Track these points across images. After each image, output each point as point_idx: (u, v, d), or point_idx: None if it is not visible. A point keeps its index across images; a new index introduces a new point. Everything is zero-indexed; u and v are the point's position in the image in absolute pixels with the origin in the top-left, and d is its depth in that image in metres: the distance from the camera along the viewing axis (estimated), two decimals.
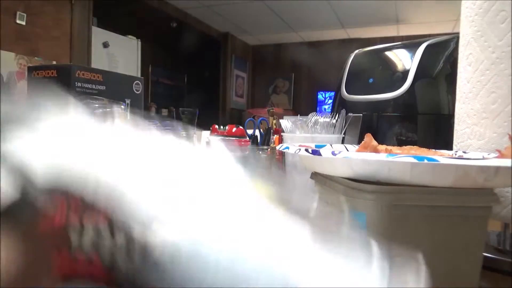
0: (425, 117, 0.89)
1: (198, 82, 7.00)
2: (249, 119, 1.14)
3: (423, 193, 0.33)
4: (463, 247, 0.35)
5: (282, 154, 0.86)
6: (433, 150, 0.48)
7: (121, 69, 4.22)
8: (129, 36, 4.49)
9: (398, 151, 0.44)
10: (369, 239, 0.19)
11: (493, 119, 0.50)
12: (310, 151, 0.38)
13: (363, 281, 0.17)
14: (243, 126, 1.16)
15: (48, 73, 0.95)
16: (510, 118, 0.49)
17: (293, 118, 0.81)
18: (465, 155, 0.49)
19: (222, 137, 1.17)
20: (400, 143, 0.92)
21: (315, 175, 0.48)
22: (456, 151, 0.52)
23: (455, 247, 0.35)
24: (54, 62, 3.32)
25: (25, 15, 3.14)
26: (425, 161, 0.30)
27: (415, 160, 0.30)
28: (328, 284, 0.17)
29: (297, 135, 0.78)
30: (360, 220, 0.35)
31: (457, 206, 0.34)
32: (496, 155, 0.43)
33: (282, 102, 6.79)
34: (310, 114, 0.80)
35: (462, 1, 0.58)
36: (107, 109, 0.82)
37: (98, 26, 4.03)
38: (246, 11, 3.67)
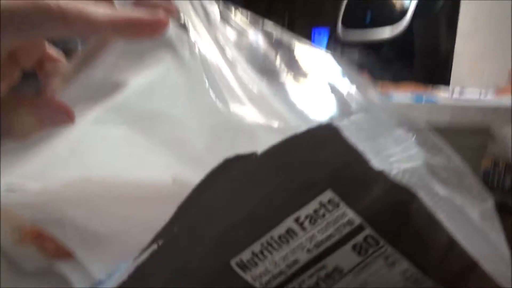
0: (423, 54, 0.86)
1: None
2: None
3: None
4: None
5: None
6: (430, 87, 0.47)
7: None
8: None
9: (395, 88, 0.43)
10: None
11: (493, 56, 0.49)
12: None
13: None
14: None
15: None
16: (511, 55, 0.47)
17: None
18: (462, 94, 0.48)
19: None
20: (396, 81, 0.90)
21: None
22: (453, 89, 0.52)
23: None
24: None
25: None
26: (423, 102, 0.29)
27: (412, 102, 0.29)
28: None
29: None
30: None
31: (453, 145, 0.33)
32: (494, 93, 0.42)
33: None
34: None
35: None
36: None
37: None
38: None
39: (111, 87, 0.23)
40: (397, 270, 0.12)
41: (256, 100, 0.18)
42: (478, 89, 0.47)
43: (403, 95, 0.30)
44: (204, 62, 0.18)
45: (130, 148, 0.23)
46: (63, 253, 0.21)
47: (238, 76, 0.19)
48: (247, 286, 0.12)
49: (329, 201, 0.11)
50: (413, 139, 0.15)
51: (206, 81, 0.18)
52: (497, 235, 0.15)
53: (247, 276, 0.12)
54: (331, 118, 0.12)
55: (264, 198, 0.12)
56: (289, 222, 0.12)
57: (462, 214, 0.14)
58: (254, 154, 0.12)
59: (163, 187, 0.21)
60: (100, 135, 0.23)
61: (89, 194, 0.23)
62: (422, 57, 0.86)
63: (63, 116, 0.20)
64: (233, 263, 0.12)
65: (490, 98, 0.32)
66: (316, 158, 0.12)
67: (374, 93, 0.19)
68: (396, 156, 0.12)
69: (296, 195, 0.12)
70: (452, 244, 0.13)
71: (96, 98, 0.22)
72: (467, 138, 0.34)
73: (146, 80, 0.22)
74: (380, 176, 0.11)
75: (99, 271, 0.16)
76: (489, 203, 0.15)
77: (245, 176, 0.12)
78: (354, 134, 0.12)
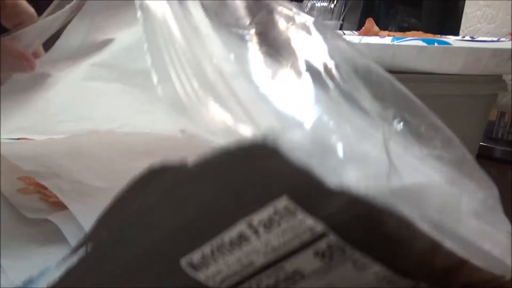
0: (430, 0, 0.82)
1: None
2: None
3: (427, 81, 0.31)
4: (462, 136, 0.34)
5: None
6: (439, 35, 0.45)
7: None
8: None
9: (402, 36, 0.40)
10: None
11: (507, 3, 0.46)
12: None
13: None
14: None
15: None
16: None
17: None
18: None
19: None
20: (402, 30, 0.86)
21: None
22: (464, 36, 0.49)
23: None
24: None
25: None
26: (436, 44, 0.27)
27: (424, 44, 0.27)
28: None
29: None
30: None
31: (463, 95, 0.32)
32: (508, 39, 0.40)
33: None
34: None
35: None
36: None
37: None
38: None
39: (95, 47, 0.21)
40: (368, 272, 0.11)
41: (212, 87, 0.14)
42: (490, 39, 0.44)
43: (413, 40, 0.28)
44: (153, 23, 0.14)
45: (130, 100, 0.22)
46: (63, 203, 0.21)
47: (195, 53, 0.14)
48: (200, 285, 0.11)
49: (285, 208, 0.10)
50: (387, 135, 0.13)
51: (149, 57, 0.13)
52: (498, 225, 0.14)
53: (200, 275, 0.11)
54: (271, 130, 0.10)
55: (207, 205, 0.10)
56: (241, 226, 0.10)
57: (454, 210, 0.13)
58: (184, 165, 0.10)
59: (171, 138, 0.20)
60: (95, 90, 0.22)
61: (93, 147, 0.22)
62: (429, 3, 0.82)
63: (22, 63, 0.19)
64: (183, 263, 0.11)
65: (505, 43, 0.30)
66: (259, 172, 0.10)
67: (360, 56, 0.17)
68: (360, 171, 0.10)
69: (247, 200, 0.10)
70: (435, 248, 0.11)
71: (78, 56, 0.21)
72: (478, 86, 0.32)
73: (134, 36, 0.21)
74: (342, 191, 0.09)
75: (90, 224, 0.15)
76: (493, 191, 0.14)
77: (181, 187, 0.10)
78: (304, 147, 0.10)
